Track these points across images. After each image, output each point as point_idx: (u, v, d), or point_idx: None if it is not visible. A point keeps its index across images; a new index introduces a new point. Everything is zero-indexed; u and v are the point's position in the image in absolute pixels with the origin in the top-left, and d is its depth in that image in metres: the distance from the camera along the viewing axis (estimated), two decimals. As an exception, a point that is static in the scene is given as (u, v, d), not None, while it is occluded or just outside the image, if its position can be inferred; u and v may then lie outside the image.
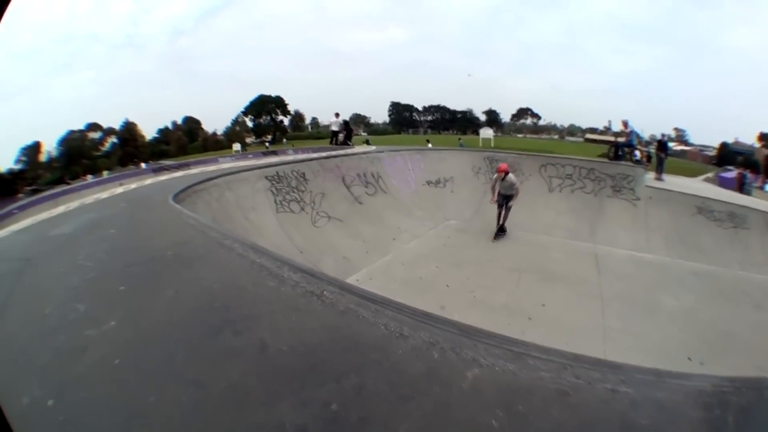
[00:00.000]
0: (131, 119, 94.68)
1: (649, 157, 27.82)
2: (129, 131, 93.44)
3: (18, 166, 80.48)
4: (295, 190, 13.22)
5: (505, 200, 14.62)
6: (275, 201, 12.37)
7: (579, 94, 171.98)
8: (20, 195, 47.94)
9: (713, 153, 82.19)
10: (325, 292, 3.35)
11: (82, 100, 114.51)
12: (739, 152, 71.19)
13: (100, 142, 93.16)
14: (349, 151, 19.68)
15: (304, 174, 13.92)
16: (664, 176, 20.73)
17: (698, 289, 11.43)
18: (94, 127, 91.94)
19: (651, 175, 19.41)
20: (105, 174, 56.54)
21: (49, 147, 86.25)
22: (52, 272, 4.64)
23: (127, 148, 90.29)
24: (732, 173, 28.80)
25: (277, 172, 13.09)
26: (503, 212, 14.84)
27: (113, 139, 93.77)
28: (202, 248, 4.90)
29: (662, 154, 22.26)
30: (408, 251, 13.33)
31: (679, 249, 14.12)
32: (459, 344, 2.70)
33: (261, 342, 2.78)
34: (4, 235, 7.47)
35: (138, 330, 3.15)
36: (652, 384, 2.40)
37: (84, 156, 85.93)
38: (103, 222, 7.07)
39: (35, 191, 44.29)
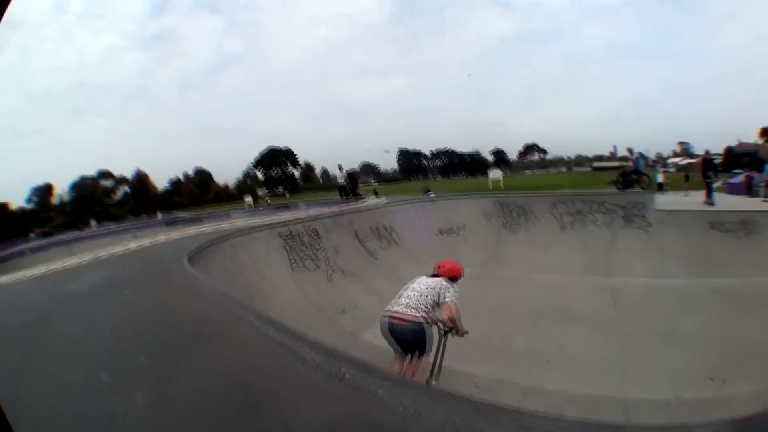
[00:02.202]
0: (142, 169, 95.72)
1: (687, 177, 27.63)
2: (141, 181, 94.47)
3: (30, 206, 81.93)
4: (309, 248, 13.28)
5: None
6: (289, 259, 12.44)
7: (583, 125, 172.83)
8: (31, 235, 48.61)
9: (719, 160, 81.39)
10: (346, 375, 3.40)
11: (93, 147, 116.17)
12: (745, 153, 70.33)
13: (112, 190, 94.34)
14: (361, 205, 19.83)
15: (317, 231, 14.05)
16: (715, 197, 18.69)
17: (718, 305, 11.23)
18: (105, 174, 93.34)
19: (698, 199, 18.89)
20: (113, 226, 57.75)
21: (61, 190, 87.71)
22: (70, 334, 4.82)
23: (140, 198, 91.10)
24: (739, 177, 28.34)
25: (290, 230, 13.21)
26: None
27: (125, 188, 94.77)
28: (222, 324, 4.97)
29: (711, 173, 19.33)
30: None
31: (696, 268, 13.98)
32: (474, 422, 2.77)
33: (286, 427, 2.83)
34: (19, 279, 7.68)
35: (165, 409, 3.24)
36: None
37: (96, 202, 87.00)
38: (119, 283, 7.25)
39: (46, 234, 44.97)
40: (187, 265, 7.90)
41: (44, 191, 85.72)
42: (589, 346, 9.77)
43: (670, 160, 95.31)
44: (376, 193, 30.97)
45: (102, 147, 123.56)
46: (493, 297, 13.32)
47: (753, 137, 76.59)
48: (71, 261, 9.67)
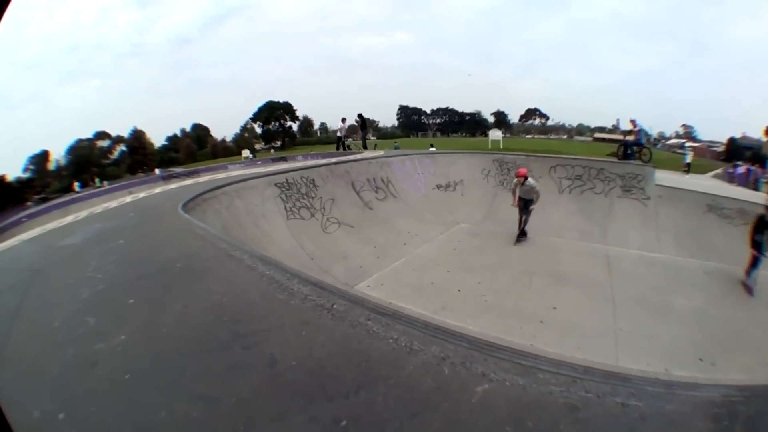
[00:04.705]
0: (139, 127, 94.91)
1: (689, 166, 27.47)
2: (137, 139, 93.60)
3: (26, 175, 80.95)
4: (305, 197, 13.14)
5: (525, 204, 14.57)
6: (285, 208, 12.31)
7: (586, 93, 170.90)
8: (29, 203, 47.84)
9: (721, 149, 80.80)
10: (334, 305, 3.33)
11: (89, 109, 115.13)
12: (747, 147, 70.05)
13: (109, 150, 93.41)
14: (358, 156, 19.51)
15: (313, 180, 13.83)
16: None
17: (710, 288, 11.21)
18: (102, 135, 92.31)
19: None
20: (97, 182, 56.98)
21: (58, 155, 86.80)
22: (62, 284, 4.66)
23: (136, 156, 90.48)
24: (740, 169, 28.26)
25: (287, 179, 13.01)
26: (524, 217, 14.78)
27: (122, 147, 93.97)
28: (212, 260, 4.88)
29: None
30: (419, 256, 13.09)
31: (690, 248, 13.94)
32: (469, 358, 2.70)
33: (270, 357, 2.77)
34: (13, 245, 7.51)
35: (148, 345, 3.15)
36: (662, 396, 2.40)
37: (93, 164, 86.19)
38: (112, 232, 7.07)
39: (44, 200, 44.25)
40: (181, 211, 7.79)
41: (41, 159, 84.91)
42: (582, 310, 9.82)
43: (672, 141, 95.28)
44: (368, 146, 30.67)
45: (98, 108, 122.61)
46: (488, 254, 13.47)
47: (756, 131, 76.45)
48: (67, 219, 9.49)
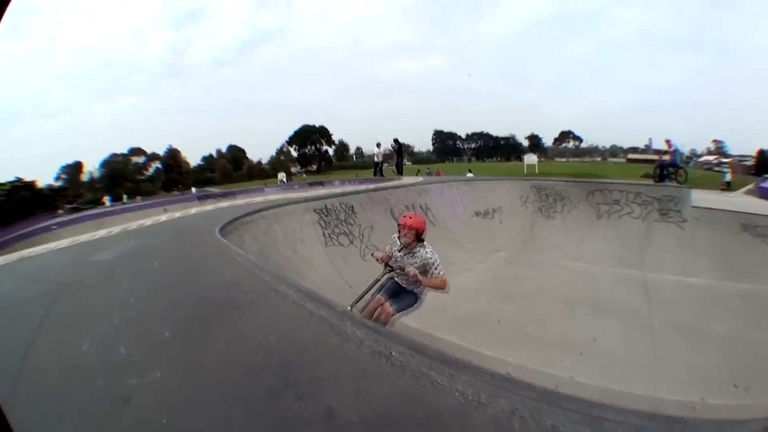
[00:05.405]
0: (175, 146, 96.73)
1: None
2: (173, 157, 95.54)
3: (58, 183, 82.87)
4: (344, 223, 13.08)
5: (400, 287, 7.26)
6: (324, 234, 12.26)
7: (617, 112, 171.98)
8: (60, 211, 48.85)
9: (752, 162, 79.77)
10: (393, 353, 3.07)
11: (123, 125, 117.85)
12: (777, 157, 69.48)
13: (144, 166, 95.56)
14: (397, 182, 19.43)
15: (352, 207, 13.76)
16: None
17: (744, 311, 10.99)
18: (137, 151, 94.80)
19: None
20: (125, 199, 58.08)
21: (91, 167, 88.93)
22: (91, 304, 4.52)
23: (171, 174, 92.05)
24: None
25: (326, 205, 13.00)
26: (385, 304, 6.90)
27: (157, 165, 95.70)
28: (255, 293, 4.65)
29: None
30: (458, 285, 12.29)
31: (725, 270, 13.73)
32: (538, 411, 2.47)
33: (328, 410, 2.52)
34: (42, 252, 7.47)
35: (188, 386, 2.91)
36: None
37: (127, 179, 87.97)
38: (147, 252, 6.96)
39: (75, 209, 45.11)
40: (219, 235, 7.68)
41: (74, 169, 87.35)
42: (622, 341, 9.58)
43: (703, 158, 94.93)
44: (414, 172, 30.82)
45: (134, 125, 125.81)
46: (528, 283, 13.22)
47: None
48: (99, 233, 9.43)
